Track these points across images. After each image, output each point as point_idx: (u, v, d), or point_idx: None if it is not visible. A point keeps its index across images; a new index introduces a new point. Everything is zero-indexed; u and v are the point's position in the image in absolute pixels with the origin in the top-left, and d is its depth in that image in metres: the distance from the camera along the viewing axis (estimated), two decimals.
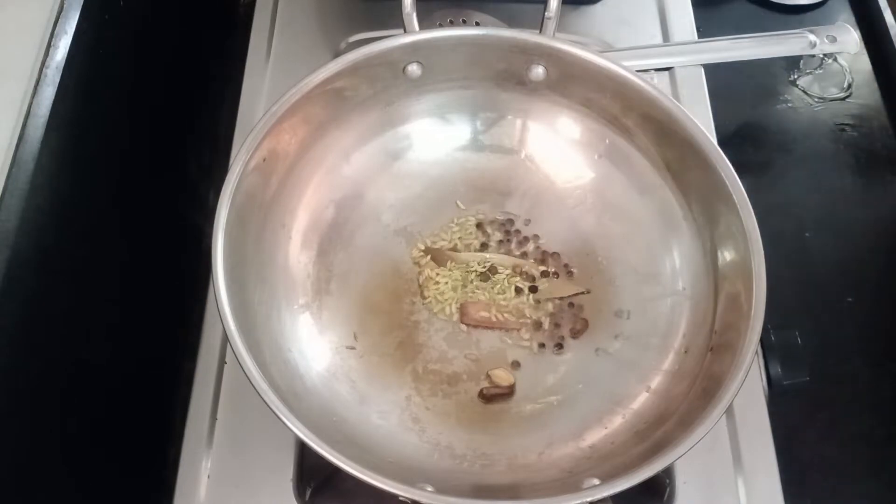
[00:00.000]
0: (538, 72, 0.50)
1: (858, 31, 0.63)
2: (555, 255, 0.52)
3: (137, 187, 0.52)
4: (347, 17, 0.64)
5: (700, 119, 0.47)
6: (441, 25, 0.60)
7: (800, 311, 0.55)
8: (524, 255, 0.52)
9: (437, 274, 0.51)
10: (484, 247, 0.53)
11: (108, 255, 0.48)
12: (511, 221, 0.53)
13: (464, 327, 0.50)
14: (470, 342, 0.49)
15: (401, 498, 0.36)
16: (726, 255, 0.46)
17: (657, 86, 0.48)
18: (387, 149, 0.54)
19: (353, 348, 0.48)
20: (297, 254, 0.50)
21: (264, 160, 0.46)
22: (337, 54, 0.58)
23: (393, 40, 0.48)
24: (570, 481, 0.41)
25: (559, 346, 0.49)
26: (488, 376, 0.48)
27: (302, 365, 0.46)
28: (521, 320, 0.50)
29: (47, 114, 0.42)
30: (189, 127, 0.60)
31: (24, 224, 0.39)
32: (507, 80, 0.52)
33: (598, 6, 0.65)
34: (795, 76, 0.65)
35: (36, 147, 0.41)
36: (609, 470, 0.39)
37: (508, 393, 0.48)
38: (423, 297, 0.51)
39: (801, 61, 0.66)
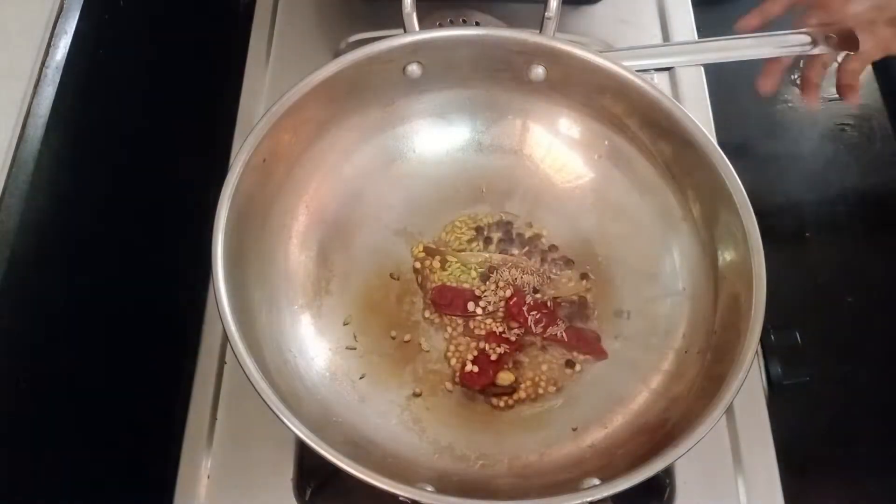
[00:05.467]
0: (538, 72, 0.50)
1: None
2: (552, 247, 0.52)
3: (137, 187, 0.52)
4: (347, 17, 0.64)
5: (700, 119, 0.47)
6: (441, 25, 0.60)
7: (800, 311, 0.55)
8: (528, 253, 0.52)
9: (435, 273, 0.51)
10: (484, 246, 0.53)
11: (107, 254, 0.48)
12: (511, 222, 0.53)
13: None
14: (470, 342, 0.49)
15: (401, 498, 0.36)
16: (726, 255, 0.46)
17: (657, 86, 0.48)
18: (387, 149, 0.54)
19: (353, 348, 0.49)
20: (297, 254, 0.50)
21: (264, 160, 0.46)
22: (337, 54, 0.58)
23: (393, 40, 0.48)
24: (570, 481, 0.41)
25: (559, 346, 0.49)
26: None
27: (302, 365, 0.46)
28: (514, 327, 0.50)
29: (47, 114, 0.42)
30: (189, 127, 0.60)
31: (24, 224, 0.39)
32: (507, 80, 0.52)
33: (598, 6, 0.65)
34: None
35: (36, 147, 0.41)
36: (609, 470, 0.39)
37: (509, 392, 0.48)
38: (423, 297, 0.51)
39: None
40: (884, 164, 0.62)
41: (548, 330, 0.49)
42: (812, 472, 0.50)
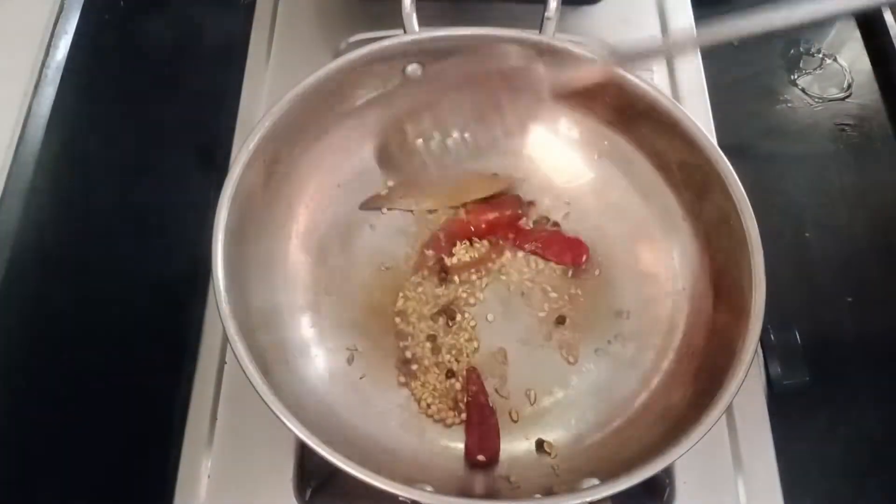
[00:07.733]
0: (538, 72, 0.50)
1: (858, 31, 0.63)
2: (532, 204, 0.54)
3: (137, 187, 0.51)
4: (347, 17, 0.64)
5: (700, 119, 0.47)
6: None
7: (800, 311, 0.55)
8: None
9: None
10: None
11: (107, 255, 0.48)
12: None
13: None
14: (469, 341, 0.49)
15: (401, 498, 0.36)
16: (726, 255, 0.46)
17: (657, 86, 0.48)
18: None
19: (353, 349, 0.49)
20: (297, 254, 0.50)
21: (264, 160, 0.46)
22: (337, 54, 0.58)
23: (393, 40, 0.48)
24: (569, 481, 0.41)
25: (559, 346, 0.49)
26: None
27: (302, 365, 0.46)
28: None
29: (47, 114, 0.42)
30: (189, 127, 0.60)
31: (24, 224, 0.39)
32: (508, 80, 0.51)
33: (598, 6, 0.64)
34: (795, 76, 0.65)
35: (36, 147, 0.41)
36: (609, 470, 0.39)
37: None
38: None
39: (802, 61, 0.66)
40: (884, 164, 0.62)
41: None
42: (812, 472, 0.50)
